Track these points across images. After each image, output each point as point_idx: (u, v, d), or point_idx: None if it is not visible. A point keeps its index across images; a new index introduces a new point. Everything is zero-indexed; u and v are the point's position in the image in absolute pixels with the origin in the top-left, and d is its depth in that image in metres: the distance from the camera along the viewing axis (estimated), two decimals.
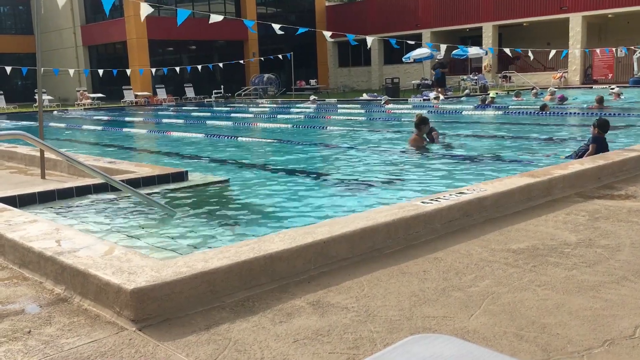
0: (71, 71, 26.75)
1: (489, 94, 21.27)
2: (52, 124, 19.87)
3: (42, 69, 7.84)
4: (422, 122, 10.02)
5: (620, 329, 2.69)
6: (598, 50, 27.07)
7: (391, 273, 3.53)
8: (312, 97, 25.99)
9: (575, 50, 29.72)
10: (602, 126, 7.95)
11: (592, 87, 27.60)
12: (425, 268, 3.60)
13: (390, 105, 21.74)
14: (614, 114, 14.85)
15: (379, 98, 25.67)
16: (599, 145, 7.75)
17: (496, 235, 4.24)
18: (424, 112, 17.83)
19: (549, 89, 22.38)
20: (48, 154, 7.52)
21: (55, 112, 27.31)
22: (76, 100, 31.46)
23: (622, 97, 20.01)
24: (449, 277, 3.43)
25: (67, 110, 28.34)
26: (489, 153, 9.57)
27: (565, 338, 2.63)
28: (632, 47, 26.74)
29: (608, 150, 7.77)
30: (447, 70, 28.61)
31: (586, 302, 3.01)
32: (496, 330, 2.73)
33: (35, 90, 26.36)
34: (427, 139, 10.18)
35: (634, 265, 3.53)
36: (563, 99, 19.03)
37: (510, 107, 18.68)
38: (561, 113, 16.10)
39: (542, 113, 15.55)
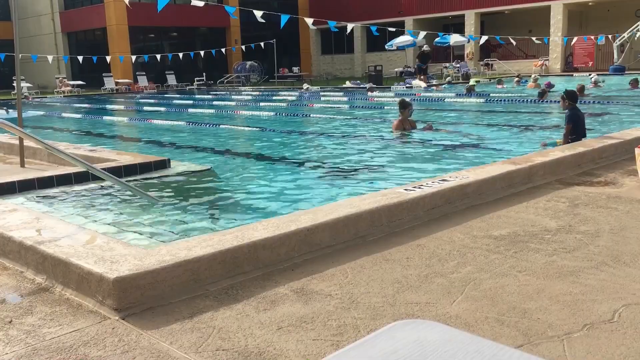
0: (50, 57, 26.35)
1: (439, 84, 21.50)
2: (31, 111, 19.58)
3: (20, 55, 7.70)
4: (401, 105, 10.13)
5: (599, 314, 2.74)
6: (575, 39, 27.31)
7: (374, 260, 3.55)
8: (305, 86, 26.03)
9: (555, 38, 29.95)
10: (571, 96, 8.01)
11: (572, 75, 27.84)
12: (408, 255, 3.63)
13: (373, 93, 21.73)
14: (594, 102, 15.01)
15: (362, 86, 25.65)
16: (575, 120, 7.81)
17: (478, 222, 4.28)
18: (406, 99, 17.89)
19: (532, 76, 22.51)
20: (27, 142, 7.42)
21: (29, 99, 26.84)
22: (55, 88, 31.01)
23: (601, 84, 20.17)
24: (431, 264, 3.46)
25: (29, 97, 27.61)
26: (471, 140, 9.63)
27: (545, 323, 2.67)
28: (609, 36, 26.96)
29: (583, 120, 7.87)
30: (430, 62, 28.61)
31: (566, 287, 3.05)
32: (478, 315, 2.76)
33: (13, 78, 25.86)
34: (410, 125, 10.25)
35: (612, 251, 3.59)
36: (550, 86, 19.14)
37: (492, 94, 18.77)
38: (543, 101, 16.21)
39: (540, 100, 15.51)
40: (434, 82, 24.36)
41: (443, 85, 24.84)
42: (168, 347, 2.55)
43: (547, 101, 15.29)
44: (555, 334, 2.56)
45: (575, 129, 7.79)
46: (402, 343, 1.22)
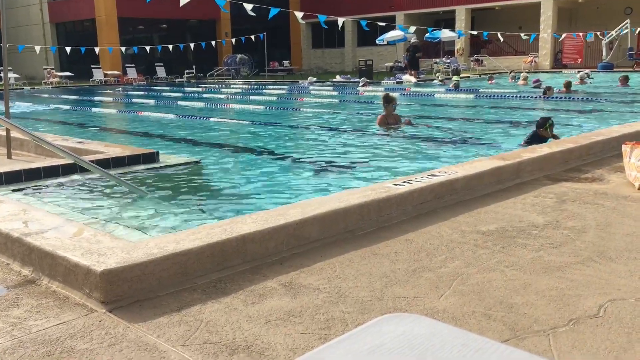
0: (37, 48, 26.08)
1: (450, 78, 21.57)
2: (19, 102, 19.40)
3: (8, 45, 7.63)
4: (385, 100, 10.16)
5: (585, 309, 2.77)
6: (564, 35, 27.47)
7: (363, 254, 3.56)
8: (309, 78, 26.09)
9: (545, 34, 30.08)
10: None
11: (561, 72, 27.99)
12: (397, 249, 3.64)
13: (363, 88, 21.73)
14: (581, 99, 15.11)
15: (352, 80, 25.63)
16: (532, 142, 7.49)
17: (466, 217, 4.30)
18: (396, 94, 17.90)
19: (521, 74, 22.60)
20: (15, 133, 7.35)
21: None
22: (44, 79, 30.74)
23: (588, 81, 20.30)
24: (419, 258, 3.47)
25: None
26: (457, 135, 9.66)
27: (531, 317, 2.69)
28: (598, 33, 27.14)
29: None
30: (421, 54, 28.60)
31: (552, 282, 3.08)
32: (465, 310, 2.78)
33: (0, 68, 25.47)
34: (394, 119, 10.25)
35: (598, 247, 3.62)
36: (538, 82, 19.26)
37: (481, 90, 18.85)
38: (531, 97, 16.30)
39: (545, 97, 15.48)
40: (440, 76, 24.39)
41: (434, 81, 24.82)
42: (155, 340, 2.55)
43: (552, 97, 15.28)
44: (541, 329, 2.58)
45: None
46: (389, 337, 1.23)
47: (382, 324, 1.29)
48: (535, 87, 18.91)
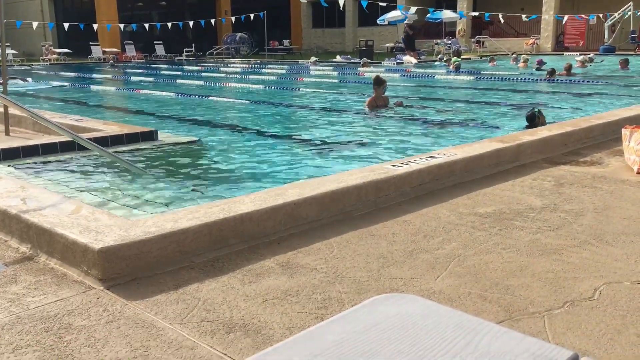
0: (34, 24, 25.83)
1: (450, 59, 21.48)
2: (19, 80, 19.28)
3: (5, 20, 7.55)
4: (376, 82, 10.11)
5: (580, 291, 2.78)
6: (566, 17, 27.27)
7: (360, 235, 3.57)
8: (312, 59, 25.98)
9: (547, 16, 29.84)
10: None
11: (563, 54, 27.83)
12: (394, 230, 3.65)
13: (364, 68, 21.62)
14: (582, 81, 15.05)
15: (352, 61, 25.48)
16: None
17: (464, 199, 4.31)
18: (396, 74, 17.82)
19: (522, 56, 22.48)
20: (12, 110, 7.32)
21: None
22: (42, 56, 30.52)
23: (588, 65, 20.20)
24: (417, 240, 3.48)
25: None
26: (460, 118, 9.63)
27: (527, 299, 2.70)
28: (600, 16, 26.94)
29: None
30: (413, 33, 28.24)
31: (549, 265, 3.09)
32: (461, 291, 2.79)
33: None
34: (384, 101, 10.20)
35: (595, 230, 3.63)
36: (541, 63, 19.17)
37: (482, 72, 18.75)
38: (532, 79, 16.23)
39: (550, 79, 15.38)
40: (444, 57, 24.26)
41: (436, 63, 24.66)
42: (153, 318, 2.56)
43: (553, 80, 15.19)
44: (537, 311, 2.60)
45: None
46: (384, 316, 1.23)
47: (377, 304, 1.30)
48: (537, 68, 18.82)
